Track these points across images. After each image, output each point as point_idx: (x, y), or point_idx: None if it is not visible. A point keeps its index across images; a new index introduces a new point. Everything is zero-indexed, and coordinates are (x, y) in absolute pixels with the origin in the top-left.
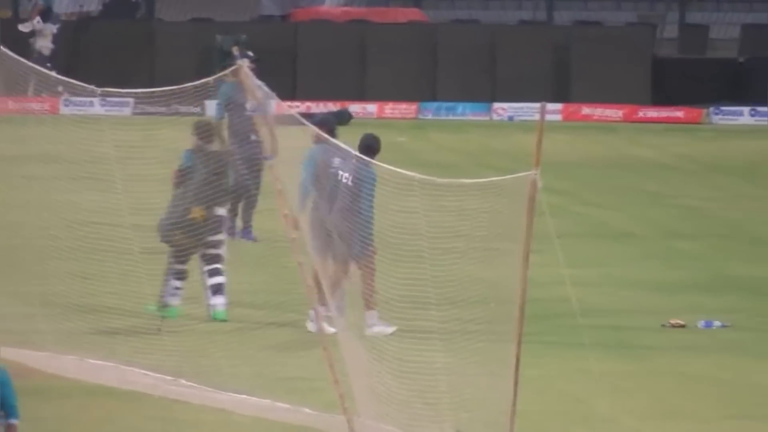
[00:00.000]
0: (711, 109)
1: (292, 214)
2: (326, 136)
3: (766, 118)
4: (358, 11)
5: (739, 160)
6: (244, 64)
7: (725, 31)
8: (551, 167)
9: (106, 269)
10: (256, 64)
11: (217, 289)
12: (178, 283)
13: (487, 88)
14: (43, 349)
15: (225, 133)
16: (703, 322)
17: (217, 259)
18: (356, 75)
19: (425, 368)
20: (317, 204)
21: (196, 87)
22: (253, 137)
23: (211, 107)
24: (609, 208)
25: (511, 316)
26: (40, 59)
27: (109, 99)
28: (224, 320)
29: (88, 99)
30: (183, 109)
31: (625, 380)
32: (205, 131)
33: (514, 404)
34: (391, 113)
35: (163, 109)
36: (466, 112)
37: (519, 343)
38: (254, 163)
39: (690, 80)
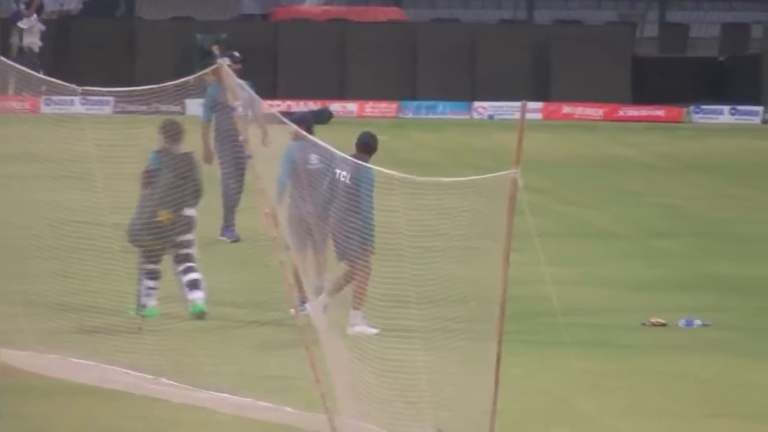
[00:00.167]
0: (691, 107)
1: (272, 212)
2: (304, 133)
3: (746, 117)
4: (338, 10)
5: (719, 159)
6: (225, 63)
7: (705, 30)
8: (531, 166)
9: (87, 268)
10: (242, 63)
11: (194, 285)
12: (151, 283)
13: (468, 87)
14: (24, 348)
15: (212, 134)
16: (683, 321)
17: (189, 258)
18: (336, 74)
19: (406, 367)
20: (296, 200)
21: (176, 86)
22: (241, 138)
23: (191, 106)
24: (589, 207)
25: (491, 315)
26: (30, 56)
27: (89, 98)
28: (203, 311)
29: (69, 98)
30: (163, 107)
31: (606, 379)
32: (171, 131)
33: (494, 403)
34: (372, 112)
35: (143, 108)
36: (446, 111)
37: (500, 342)
38: (241, 164)
39: (670, 79)
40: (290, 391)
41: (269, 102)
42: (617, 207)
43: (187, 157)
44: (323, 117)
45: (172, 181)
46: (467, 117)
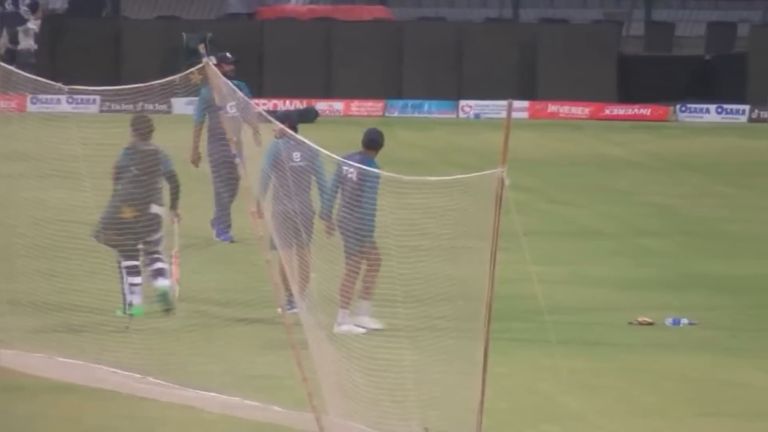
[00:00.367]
0: (677, 106)
1: (258, 210)
2: (288, 130)
3: (732, 116)
4: (323, 9)
5: (706, 158)
6: (211, 62)
7: (691, 29)
8: (518, 165)
9: (73, 267)
10: (235, 64)
11: (159, 273)
12: (133, 279)
13: (454, 86)
14: (11, 347)
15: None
16: (670, 319)
17: (158, 258)
18: (322, 73)
19: (393, 366)
20: (279, 197)
21: (162, 85)
22: (234, 138)
23: (178, 105)
24: (576, 206)
25: (478, 314)
26: (27, 57)
27: (76, 97)
28: (165, 293)
29: (56, 97)
30: (150, 106)
31: (593, 377)
32: (140, 127)
33: (481, 401)
34: (358, 111)
35: (129, 107)
36: (432, 110)
37: (486, 341)
38: (233, 165)
39: (656, 78)
40: (278, 390)
41: (255, 101)
42: (604, 206)
43: (153, 153)
44: (309, 116)
45: (136, 177)
46: (453, 116)
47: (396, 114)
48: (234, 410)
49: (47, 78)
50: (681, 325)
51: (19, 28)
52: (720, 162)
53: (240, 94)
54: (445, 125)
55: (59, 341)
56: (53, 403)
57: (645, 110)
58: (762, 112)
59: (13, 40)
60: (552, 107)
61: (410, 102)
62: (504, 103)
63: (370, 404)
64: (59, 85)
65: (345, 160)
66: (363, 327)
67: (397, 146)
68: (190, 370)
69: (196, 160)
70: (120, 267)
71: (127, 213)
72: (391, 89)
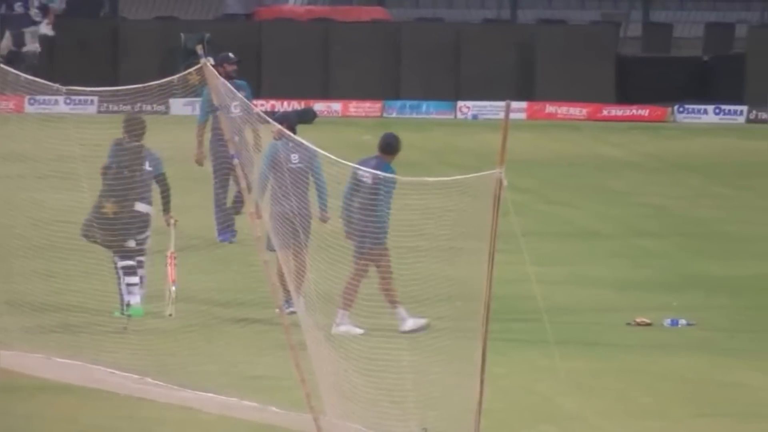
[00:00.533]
0: (675, 107)
1: (257, 211)
2: (287, 132)
3: (730, 117)
4: (321, 10)
5: (704, 159)
6: (208, 63)
7: (689, 30)
8: (516, 166)
9: (70, 267)
10: (237, 65)
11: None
12: (131, 279)
13: (452, 87)
14: (9, 347)
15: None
16: (668, 320)
17: (141, 254)
18: (320, 73)
19: (392, 366)
20: (277, 198)
21: (160, 85)
22: (236, 138)
23: (176, 105)
24: (574, 207)
25: (476, 314)
26: (32, 59)
27: (74, 97)
28: (138, 313)
29: (53, 97)
30: (147, 107)
31: (591, 378)
32: (131, 128)
33: (479, 402)
34: (356, 111)
35: (128, 108)
36: (430, 111)
37: (485, 341)
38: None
39: (654, 79)
40: (276, 391)
41: (253, 102)
42: (602, 206)
43: (136, 150)
44: (307, 117)
45: (117, 172)
46: (451, 117)
47: (394, 115)
48: (232, 411)
49: (45, 78)
50: (679, 326)
51: (26, 30)
52: (718, 163)
53: (239, 95)
54: (443, 126)
55: (57, 342)
56: (51, 404)
57: (643, 111)
58: (760, 113)
59: (18, 42)
60: (550, 108)
61: (408, 103)
62: (502, 103)
63: (368, 405)
64: (57, 86)
65: (357, 166)
66: (414, 328)
67: None
68: (188, 371)
69: (201, 159)
70: (116, 267)
71: (108, 208)
72: (389, 90)
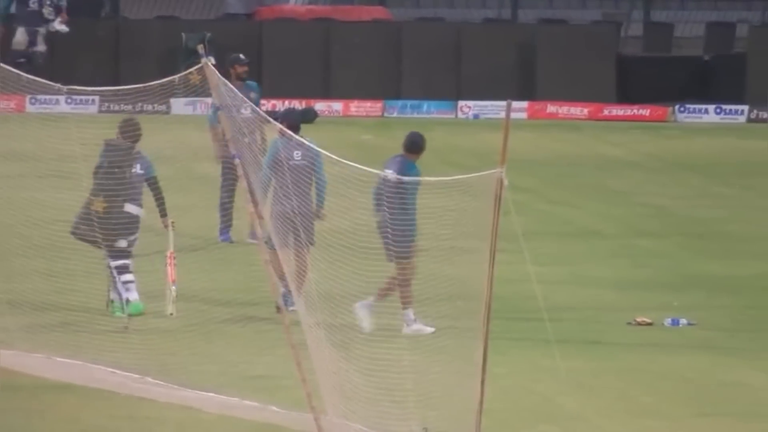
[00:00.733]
0: (676, 107)
1: (258, 210)
2: (287, 130)
3: (731, 116)
4: (322, 9)
5: (704, 158)
6: (209, 62)
7: (690, 30)
8: (516, 165)
9: (72, 267)
10: (248, 66)
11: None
12: (127, 277)
13: (453, 86)
14: (9, 347)
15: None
16: (669, 320)
17: (127, 255)
18: (321, 73)
19: (392, 366)
20: (279, 197)
21: (161, 85)
22: (247, 140)
23: (177, 105)
24: (575, 206)
25: (477, 314)
26: (38, 58)
27: (75, 97)
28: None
29: (54, 97)
30: (148, 106)
31: (592, 378)
32: (126, 130)
33: (480, 402)
34: (357, 111)
35: (128, 107)
36: (431, 110)
37: (486, 341)
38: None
39: (655, 78)
40: (276, 391)
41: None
42: (603, 206)
43: (127, 149)
44: (308, 116)
45: (107, 170)
46: (452, 116)
47: (395, 114)
48: (233, 410)
49: (46, 78)
50: (680, 326)
51: (39, 29)
52: (719, 162)
53: (240, 95)
54: (444, 126)
55: (58, 341)
56: (52, 403)
57: (644, 111)
58: (761, 113)
59: (33, 41)
60: (551, 108)
61: (409, 102)
62: (503, 103)
63: (369, 404)
64: (58, 85)
65: (358, 166)
66: (417, 333)
67: (396, 147)
68: (188, 371)
69: (222, 154)
70: (109, 268)
71: (98, 205)
72: (389, 90)
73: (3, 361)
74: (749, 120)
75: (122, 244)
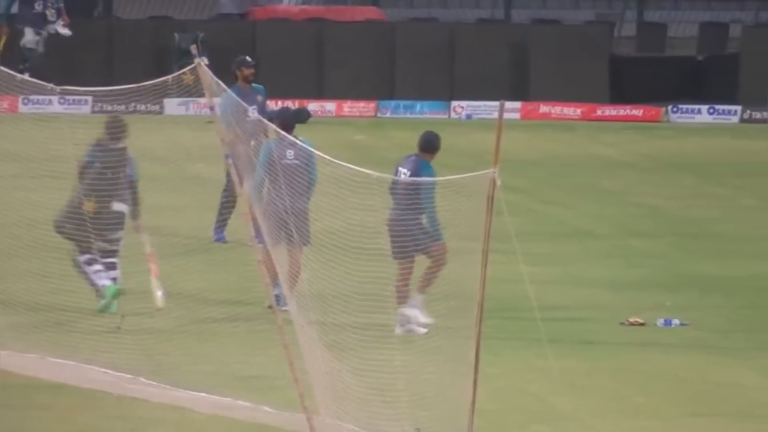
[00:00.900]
0: (669, 107)
1: (251, 211)
2: (279, 129)
3: (724, 116)
4: (316, 9)
5: (697, 158)
6: (202, 62)
7: (683, 30)
8: (509, 165)
9: (65, 267)
10: (254, 68)
11: (111, 277)
12: (95, 267)
13: (446, 87)
14: (3, 347)
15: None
16: (662, 320)
17: (113, 254)
18: (314, 73)
19: (384, 366)
20: (272, 198)
21: (154, 85)
22: (252, 143)
23: (170, 105)
24: (568, 207)
25: (470, 314)
26: (37, 58)
27: (68, 97)
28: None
29: (47, 97)
30: (142, 107)
31: (585, 378)
32: (112, 128)
33: (473, 402)
34: (350, 111)
35: (122, 108)
36: (424, 110)
37: (478, 341)
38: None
39: (648, 78)
40: (269, 391)
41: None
42: (596, 206)
43: (120, 152)
44: (302, 117)
45: (100, 172)
46: (445, 116)
47: (388, 115)
48: (225, 411)
49: (39, 78)
50: (672, 326)
51: (41, 31)
52: (712, 163)
53: (234, 95)
54: (437, 126)
55: (51, 341)
56: (45, 404)
57: (637, 111)
58: (754, 113)
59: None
60: (544, 108)
61: (402, 102)
62: (496, 103)
63: (361, 404)
64: (51, 85)
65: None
66: (417, 323)
67: (389, 147)
68: (181, 371)
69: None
70: (79, 265)
71: (89, 206)
72: (383, 90)
73: None
74: (742, 120)
75: (113, 236)
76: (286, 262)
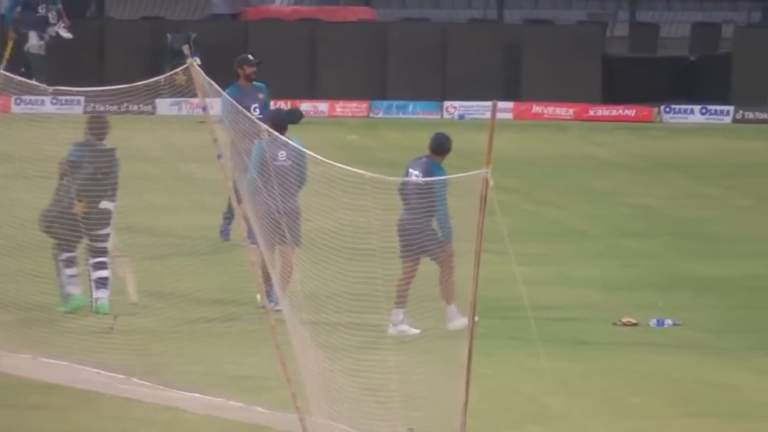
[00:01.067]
0: (662, 107)
1: (243, 210)
2: (271, 130)
3: (716, 116)
4: (308, 10)
5: (690, 159)
6: (195, 62)
7: (676, 30)
8: (502, 165)
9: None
10: (257, 66)
11: (101, 283)
12: (71, 271)
13: (438, 87)
14: None
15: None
16: (654, 320)
17: (103, 252)
18: (307, 73)
19: (377, 366)
20: (264, 198)
21: (147, 85)
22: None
23: (162, 106)
24: (560, 207)
25: (462, 314)
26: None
27: (60, 97)
28: (106, 313)
29: (40, 98)
30: (134, 107)
31: (578, 378)
32: (96, 127)
33: (465, 402)
34: (342, 111)
35: (114, 108)
36: (416, 111)
37: (471, 342)
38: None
39: (641, 79)
40: (262, 391)
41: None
42: (589, 207)
43: (110, 154)
44: (294, 117)
45: (92, 174)
46: (438, 117)
47: (380, 115)
48: (218, 411)
49: (43, 82)
50: (665, 326)
51: (43, 34)
52: (704, 163)
53: (229, 97)
54: (430, 126)
55: (43, 342)
56: (38, 404)
57: (629, 111)
58: (746, 113)
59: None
60: (536, 108)
61: (395, 103)
62: (488, 103)
63: (354, 405)
64: (43, 86)
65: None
66: (459, 327)
67: (381, 147)
68: (174, 371)
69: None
70: (57, 260)
71: (79, 208)
72: (375, 90)
73: None
74: (735, 120)
75: (101, 232)
76: (278, 263)
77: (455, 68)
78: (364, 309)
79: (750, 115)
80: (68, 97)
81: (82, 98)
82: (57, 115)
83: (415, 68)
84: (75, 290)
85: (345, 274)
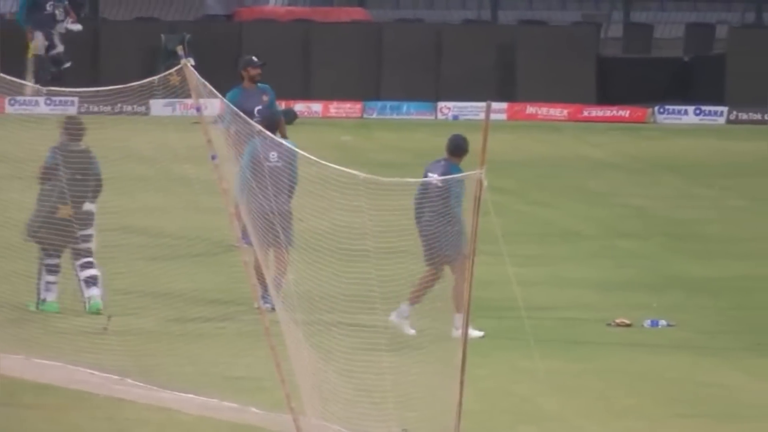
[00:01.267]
0: (656, 108)
1: (236, 210)
2: (265, 130)
3: (710, 117)
4: (302, 11)
5: (684, 159)
6: (189, 63)
7: (670, 31)
8: (496, 166)
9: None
10: (262, 68)
11: (92, 282)
12: (51, 278)
13: (432, 87)
14: None
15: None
16: (649, 321)
17: (87, 252)
18: (301, 74)
19: (371, 367)
20: (257, 197)
21: (141, 86)
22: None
23: (156, 106)
24: (554, 208)
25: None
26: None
27: (54, 98)
28: (99, 309)
29: (34, 98)
30: (128, 108)
31: (572, 379)
32: (71, 128)
33: (459, 403)
34: (336, 112)
35: (108, 108)
36: (410, 111)
37: (465, 342)
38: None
39: (635, 79)
40: (256, 392)
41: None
42: (583, 207)
43: (85, 154)
44: (288, 118)
45: (70, 177)
46: (432, 117)
47: (374, 116)
48: (212, 412)
49: (65, 76)
50: (659, 327)
51: (53, 31)
52: (699, 163)
53: (226, 101)
54: (424, 127)
55: (37, 342)
56: (31, 404)
57: (623, 112)
58: (740, 114)
59: (51, 44)
60: (530, 109)
61: (389, 103)
62: (483, 104)
63: (348, 405)
64: (37, 86)
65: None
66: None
67: (375, 148)
68: (168, 372)
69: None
70: (40, 263)
71: (64, 212)
72: (369, 91)
73: None
74: (728, 121)
75: (85, 233)
76: (272, 263)
77: (449, 69)
78: (358, 310)
79: (744, 115)
80: (62, 98)
81: (76, 99)
82: (51, 116)
83: (409, 69)
84: (50, 296)
85: (339, 275)
